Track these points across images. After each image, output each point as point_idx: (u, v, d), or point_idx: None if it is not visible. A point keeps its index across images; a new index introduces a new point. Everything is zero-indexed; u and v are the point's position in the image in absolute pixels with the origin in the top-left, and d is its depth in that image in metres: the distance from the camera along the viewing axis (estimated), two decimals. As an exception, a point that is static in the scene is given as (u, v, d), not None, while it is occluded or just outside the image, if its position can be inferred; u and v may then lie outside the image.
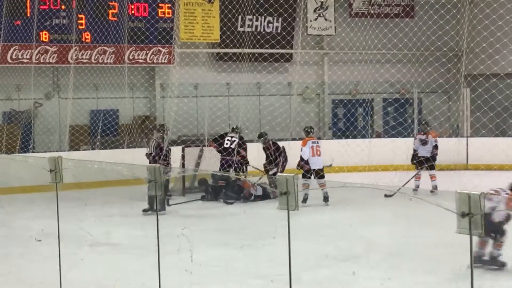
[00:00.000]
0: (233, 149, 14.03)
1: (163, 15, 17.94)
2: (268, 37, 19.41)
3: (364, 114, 21.09)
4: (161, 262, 5.85)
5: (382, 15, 20.40)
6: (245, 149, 14.28)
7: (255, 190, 13.82)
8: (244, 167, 14.26)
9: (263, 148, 14.58)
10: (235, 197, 13.69)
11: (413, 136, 15.46)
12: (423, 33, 18.73)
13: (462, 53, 18.95)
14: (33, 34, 16.36)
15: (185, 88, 18.56)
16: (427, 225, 9.75)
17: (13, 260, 8.98)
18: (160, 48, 17.99)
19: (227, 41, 18.94)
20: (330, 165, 13.68)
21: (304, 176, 12.96)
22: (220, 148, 14.21)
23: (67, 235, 7.20)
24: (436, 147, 14.08)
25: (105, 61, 17.37)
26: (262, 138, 14.67)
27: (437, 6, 18.32)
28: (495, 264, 7.94)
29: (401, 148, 15.58)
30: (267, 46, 19.27)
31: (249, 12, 18.93)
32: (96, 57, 17.24)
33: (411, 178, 13.73)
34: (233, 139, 14.23)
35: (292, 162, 13.93)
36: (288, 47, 19.96)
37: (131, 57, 17.67)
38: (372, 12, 20.79)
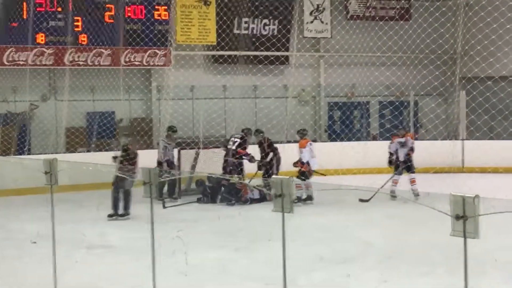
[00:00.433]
0: (235, 150, 14.00)
1: (159, 18, 17.94)
2: (264, 39, 19.38)
3: (360, 116, 21.11)
4: (156, 265, 5.85)
5: (378, 18, 20.41)
6: (244, 149, 14.21)
7: (252, 193, 13.81)
8: (242, 169, 14.20)
9: (258, 143, 14.57)
10: (234, 199, 13.69)
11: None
12: (419, 36, 18.78)
13: (457, 56, 19.01)
14: (29, 36, 16.32)
15: (181, 90, 18.54)
16: (422, 227, 9.77)
17: (8, 262, 8.96)
18: (156, 51, 17.98)
19: (223, 44, 18.93)
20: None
21: (301, 176, 13.10)
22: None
23: (62, 237, 7.18)
24: (412, 149, 13.98)
25: (101, 63, 17.36)
26: (260, 134, 14.67)
27: (432, 9, 18.34)
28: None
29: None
30: (263, 48, 19.23)
31: (245, 14, 18.97)
32: (92, 59, 17.22)
33: (387, 182, 13.57)
34: (235, 139, 14.24)
35: (287, 164, 13.96)
36: (284, 49, 19.93)
37: (127, 59, 17.66)
38: (368, 15, 20.81)
